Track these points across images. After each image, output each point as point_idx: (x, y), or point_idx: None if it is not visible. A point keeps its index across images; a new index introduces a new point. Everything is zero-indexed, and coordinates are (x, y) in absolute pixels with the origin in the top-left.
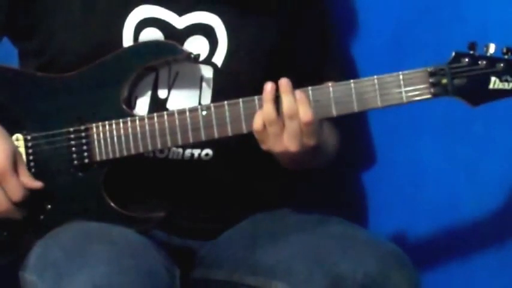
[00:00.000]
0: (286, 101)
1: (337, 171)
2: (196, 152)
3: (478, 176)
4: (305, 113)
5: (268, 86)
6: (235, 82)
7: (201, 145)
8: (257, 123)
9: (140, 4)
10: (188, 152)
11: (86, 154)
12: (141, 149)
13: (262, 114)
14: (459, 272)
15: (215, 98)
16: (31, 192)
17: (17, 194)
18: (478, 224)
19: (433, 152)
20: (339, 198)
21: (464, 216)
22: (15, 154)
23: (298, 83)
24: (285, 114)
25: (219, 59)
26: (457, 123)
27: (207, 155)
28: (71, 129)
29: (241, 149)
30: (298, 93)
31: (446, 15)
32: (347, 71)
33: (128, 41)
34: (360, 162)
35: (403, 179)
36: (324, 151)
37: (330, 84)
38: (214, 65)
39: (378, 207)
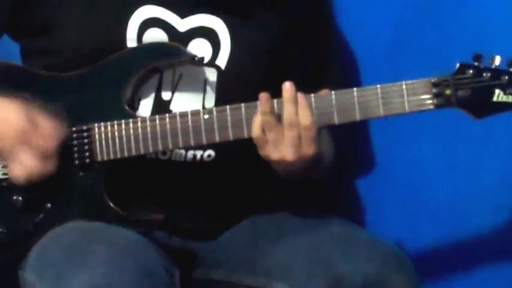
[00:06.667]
0: (287, 108)
1: (337, 171)
2: (198, 153)
3: (478, 176)
4: (304, 117)
5: (264, 96)
6: (238, 84)
7: (204, 146)
8: (255, 128)
9: (143, 4)
10: (191, 153)
11: (87, 154)
12: (142, 150)
13: (261, 120)
14: (459, 273)
15: (219, 100)
16: (32, 191)
17: (48, 144)
18: (478, 224)
19: (433, 152)
20: (339, 198)
21: (464, 216)
22: (28, 110)
23: (299, 85)
24: (285, 121)
25: (222, 61)
26: (457, 123)
27: (209, 156)
28: (73, 128)
29: (243, 151)
30: (300, 97)
31: (447, 16)
32: (347, 73)
33: (131, 40)
34: (360, 162)
35: (403, 179)
36: (321, 162)
37: (332, 92)
38: (218, 68)
39: (378, 208)
